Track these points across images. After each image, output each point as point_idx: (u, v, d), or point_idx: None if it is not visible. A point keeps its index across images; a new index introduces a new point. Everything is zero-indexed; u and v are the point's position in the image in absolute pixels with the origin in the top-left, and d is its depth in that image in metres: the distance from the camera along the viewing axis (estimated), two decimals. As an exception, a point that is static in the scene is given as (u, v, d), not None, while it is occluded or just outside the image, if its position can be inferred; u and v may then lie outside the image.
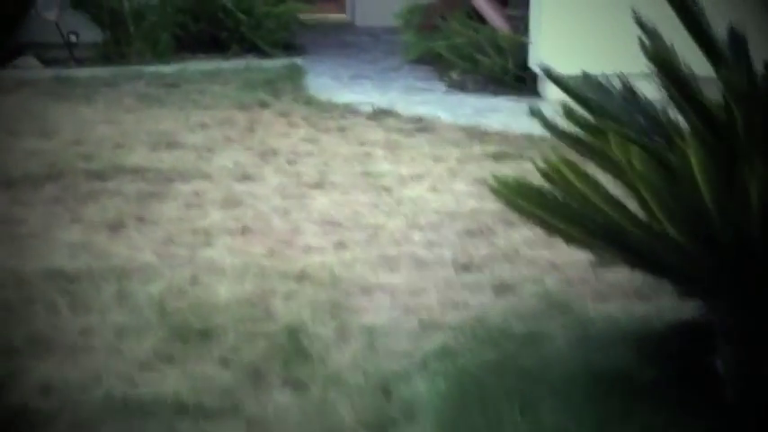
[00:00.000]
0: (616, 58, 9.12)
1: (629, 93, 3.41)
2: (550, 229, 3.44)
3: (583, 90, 3.49)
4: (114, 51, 11.00)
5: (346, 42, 13.20)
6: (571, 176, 3.20)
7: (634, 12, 3.32)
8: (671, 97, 3.19)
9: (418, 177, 6.55)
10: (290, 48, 12.04)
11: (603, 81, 3.67)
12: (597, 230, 3.30)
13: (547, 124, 3.40)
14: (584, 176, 3.21)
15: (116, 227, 5.52)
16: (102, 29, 11.06)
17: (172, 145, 7.12)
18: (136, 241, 5.35)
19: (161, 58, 11.06)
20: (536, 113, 3.41)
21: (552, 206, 3.30)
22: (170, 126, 7.78)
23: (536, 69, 9.14)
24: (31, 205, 5.86)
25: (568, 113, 3.22)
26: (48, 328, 4.26)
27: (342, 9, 15.16)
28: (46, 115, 8.07)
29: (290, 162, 6.83)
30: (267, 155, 6.97)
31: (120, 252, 5.19)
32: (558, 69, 8.91)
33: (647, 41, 3.30)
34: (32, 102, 8.62)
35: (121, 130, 7.57)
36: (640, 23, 3.32)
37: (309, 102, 8.96)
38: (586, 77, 3.54)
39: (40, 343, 4.12)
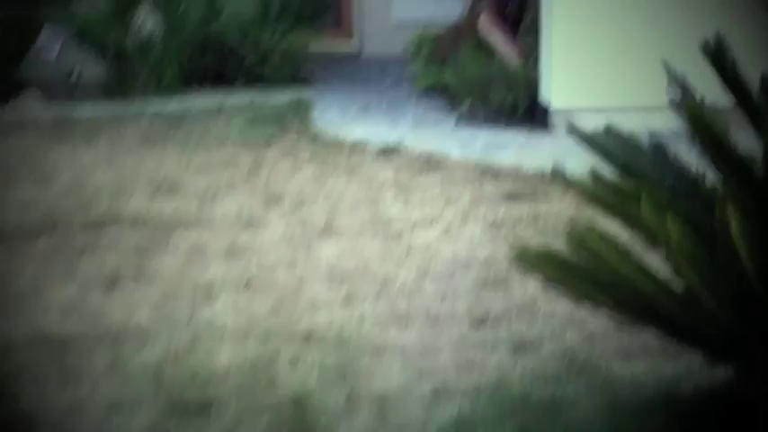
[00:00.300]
0: (627, 91, 8.92)
1: (658, 149, 3.13)
2: (577, 296, 3.16)
3: (609, 144, 3.20)
4: (118, 87, 10.76)
5: (353, 73, 12.95)
6: (600, 245, 2.92)
7: (666, 65, 3.02)
8: (707, 158, 2.91)
9: (429, 221, 6.27)
10: (296, 80, 11.80)
11: (629, 135, 3.37)
12: (627, 300, 3.02)
13: (572, 184, 3.11)
14: (614, 245, 2.93)
15: (112, 283, 5.25)
16: (105, 64, 10.83)
17: (173, 190, 6.85)
18: (132, 300, 5.07)
19: (166, 92, 10.82)
20: (559, 174, 3.11)
21: (579, 275, 3.01)
22: (172, 169, 7.51)
23: (546, 103, 8.87)
24: (24, 261, 5.60)
25: (596, 178, 2.93)
26: (33, 405, 3.97)
27: (349, 39, 14.91)
28: (44, 159, 7.81)
29: (295, 207, 6.56)
30: (272, 199, 6.69)
31: (116, 312, 4.91)
32: (570, 103, 8.70)
33: (677, 94, 3.01)
34: (31, 145, 8.37)
35: (121, 175, 7.31)
36: (673, 77, 3.03)
37: (316, 139, 8.70)
38: (611, 132, 3.25)
39: (22, 423, 3.83)
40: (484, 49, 10.43)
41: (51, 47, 10.63)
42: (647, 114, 8.58)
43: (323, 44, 13.07)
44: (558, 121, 8.74)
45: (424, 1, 12.53)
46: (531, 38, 9.74)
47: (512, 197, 6.74)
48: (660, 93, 8.60)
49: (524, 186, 7.01)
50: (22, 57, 10.82)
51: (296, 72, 11.81)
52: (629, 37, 8.58)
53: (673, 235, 2.75)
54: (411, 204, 6.65)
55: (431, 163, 7.82)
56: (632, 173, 3.07)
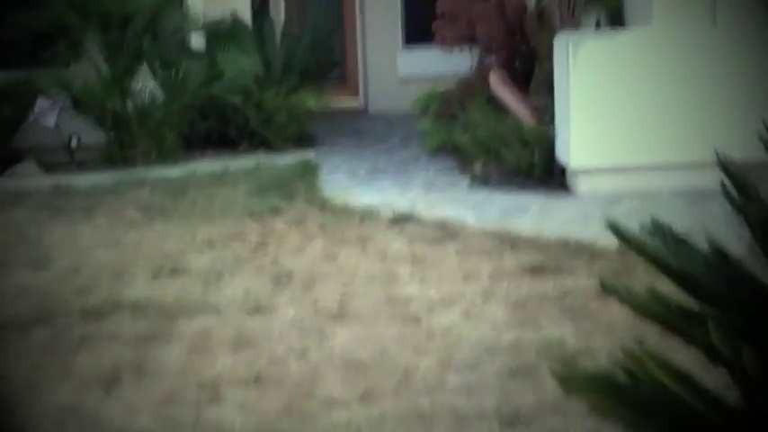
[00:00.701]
0: (648, 149, 8.58)
1: (717, 251, 2.77)
2: (632, 426, 2.78)
3: (659, 248, 2.83)
4: (118, 153, 10.46)
5: (360, 131, 12.66)
6: (657, 372, 2.55)
7: (723, 188, 2.65)
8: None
9: (449, 301, 5.89)
10: (302, 139, 11.50)
11: (681, 234, 2.99)
12: (689, 428, 2.64)
13: (627, 301, 2.72)
14: (673, 371, 2.56)
15: (111, 382, 4.87)
16: (104, 130, 10.52)
17: (176, 271, 6.49)
18: (132, 400, 4.69)
19: (167, 158, 10.53)
20: (611, 289, 2.73)
21: (633, 402, 2.64)
22: (175, 245, 7.16)
23: (564, 163, 8.53)
24: (17, 356, 5.22)
25: (654, 296, 2.56)
26: None
27: (354, 95, 14.64)
28: (41, 238, 7.47)
29: (306, 287, 6.18)
30: (281, 278, 6.32)
31: (114, 416, 4.53)
32: (589, 162, 8.35)
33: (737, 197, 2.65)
34: (28, 221, 8.04)
35: (122, 254, 6.95)
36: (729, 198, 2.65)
37: (325, 206, 8.36)
38: (660, 229, 2.88)
39: None
40: (495, 106, 10.13)
41: (49, 114, 10.34)
42: (669, 172, 8.29)
43: (329, 101, 12.80)
44: (577, 182, 8.40)
45: (430, 56, 12.21)
46: (543, 94, 9.44)
47: (535, 271, 6.36)
48: (681, 150, 8.35)
49: (547, 257, 6.64)
50: (20, 125, 10.53)
51: (301, 131, 11.51)
52: (648, 95, 8.26)
53: (749, 367, 2.38)
54: (428, 281, 6.27)
55: (446, 231, 7.46)
56: (689, 283, 2.70)
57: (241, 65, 10.93)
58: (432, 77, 13.01)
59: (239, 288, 6.14)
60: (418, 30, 14.01)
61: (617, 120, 8.29)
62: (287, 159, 10.48)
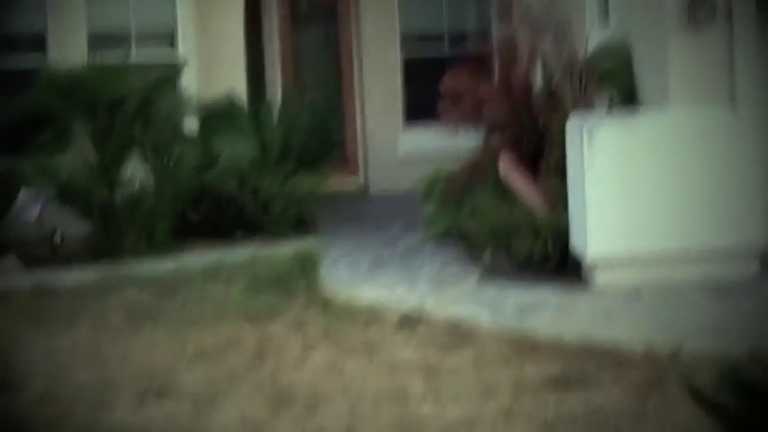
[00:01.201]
0: (667, 238, 8.01)
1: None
2: None
3: (730, 403, 2.27)
4: (105, 246, 9.87)
5: (361, 214, 12.11)
6: None
7: None
8: None
9: (468, 424, 5.28)
10: (301, 226, 10.93)
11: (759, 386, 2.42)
12: None
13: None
14: None
15: None
16: (91, 222, 9.95)
17: (164, 391, 5.86)
18: None
19: (157, 250, 9.95)
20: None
21: None
22: (163, 358, 6.55)
23: (580, 254, 7.96)
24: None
25: None
26: None
27: (354, 175, 14.12)
28: (17, 352, 6.85)
29: (309, 408, 5.56)
30: (280, 399, 5.70)
31: None
32: (608, 254, 7.78)
33: None
34: (4, 331, 7.43)
35: (104, 373, 6.32)
36: None
37: (327, 305, 7.77)
38: (734, 379, 2.32)
39: None
40: (503, 189, 9.59)
41: (31, 206, 9.77)
42: (691, 262, 7.72)
43: (328, 182, 12.29)
44: (594, 274, 7.82)
45: (432, 135, 11.70)
46: (555, 179, 8.90)
47: (559, 384, 5.75)
48: (703, 238, 7.79)
49: (571, 366, 6.03)
50: (1, 217, 9.95)
51: (300, 218, 10.95)
52: (667, 181, 7.74)
53: None
54: (443, 399, 5.66)
55: (459, 334, 6.86)
56: None
57: (236, 149, 10.43)
58: (434, 157, 12.51)
59: (234, 412, 5.52)
60: (419, 108, 13.55)
61: (635, 207, 7.75)
62: (285, 249, 9.91)
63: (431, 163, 12.26)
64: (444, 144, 10.93)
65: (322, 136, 12.00)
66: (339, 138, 13.49)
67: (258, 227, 10.59)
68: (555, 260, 8.22)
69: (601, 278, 7.76)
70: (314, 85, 14.31)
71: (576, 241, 8.04)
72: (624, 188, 7.72)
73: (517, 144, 10.06)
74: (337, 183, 13.54)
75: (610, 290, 7.60)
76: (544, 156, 9.50)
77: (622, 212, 7.72)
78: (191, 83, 11.20)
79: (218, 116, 11.19)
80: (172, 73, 10.94)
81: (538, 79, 10.64)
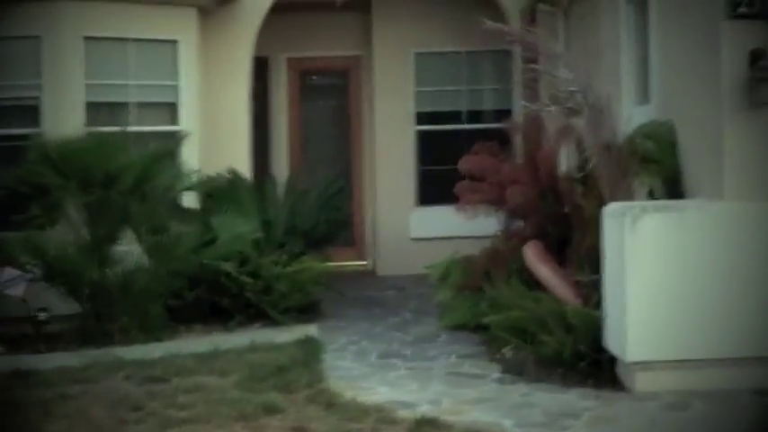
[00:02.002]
0: (716, 341, 7.17)
1: None
2: None
3: None
4: (94, 328, 9.10)
5: (369, 299, 11.33)
6: None
7: None
8: None
9: None
10: (305, 310, 10.16)
11: None
12: None
13: None
14: None
15: None
16: (79, 303, 9.18)
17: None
18: None
19: (150, 334, 9.19)
20: None
21: None
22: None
23: (618, 354, 7.16)
24: None
25: None
26: None
27: (362, 256, 13.39)
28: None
29: None
30: None
31: None
32: (648, 354, 6.97)
33: None
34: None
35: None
36: None
37: (331, 403, 6.94)
38: None
39: None
40: (527, 280, 8.82)
41: (16, 286, 9.00)
42: (742, 368, 6.91)
43: (335, 262, 11.56)
44: (633, 378, 7.01)
45: (445, 216, 10.98)
46: (587, 270, 8.14)
47: None
48: (757, 343, 6.96)
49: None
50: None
51: (304, 302, 10.16)
52: (719, 278, 6.96)
53: None
54: None
55: (481, 448, 6.04)
56: None
57: (237, 228, 9.66)
58: (447, 238, 11.84)
59: None
60: (433, 186, 12.87)
61: (682, 305, 6.95)
62: (287, 336, 9.13)
63: (444, 244, 11.59)
64: (459, 225, 10.22)
65: (330, 214, 11.25)
66: (347, 216, 12.78)
67: (259, 310, 9.82)
68: (587, 360, 7.41)
69: (641, 382, 6.95)
70: (322, 160, 13.65)
71: (612, 340, 7.24)
72: (670, 283, 6.93)
73: (542, 230, 9.36)
74: (345, 263, 12.84)
75: (652, 396, 6.78)
76: (572, 243, 8.78)
77: (667, 310, 6.93)
78: (192, 156, 10.52)
79: (219, 192, 10.49)
80: (172, 145, 10.25)
81: (564, 161, 9.97)
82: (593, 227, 8.08)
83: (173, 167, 10.05)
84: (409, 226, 12.99)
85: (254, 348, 8.65)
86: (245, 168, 11.35)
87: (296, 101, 13.55)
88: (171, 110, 10.75)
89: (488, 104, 13.32)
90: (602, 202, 7.98)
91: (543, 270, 8.28)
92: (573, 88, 8.68)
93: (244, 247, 9.76)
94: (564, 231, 9.11)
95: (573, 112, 8.65)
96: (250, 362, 8.13)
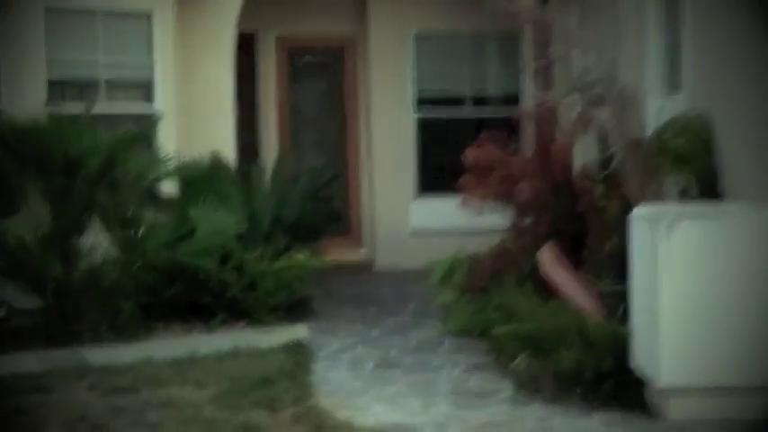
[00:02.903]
0: (761, 364, 6.33)
1: None
2: None
3: None
4: (60, 327, 8.20)
5: (365, 296, 10.46)
6: None
7: None
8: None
9: None
10: (293, 309, 9.29)
11: None
12: None
13: None
14: None
15: None
16: (42, 300, 8.28)
17: None
18: None
19: (122, 334, 8.32)
20: None
21: None
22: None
23: (647, 376, 6.30)
24: None
25: None
26: None
27: (358, 247, 12.52)
28: None
29: None
30: None
31: None
32: (684, 379, 6.10)
33: None
34: None
35: None
36: None
37: (320, 426, 6.07)
38: None
39: None
40: (539, 283, 7.97)
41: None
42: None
43: (329, 256, 10.73)
44: (667, 404, 6.14)
45: (448, 207, 10.07)
46: (609, 277, 7.29)
47: None
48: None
49: None
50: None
51: (293, 300, 9.29)
52: (761, 301, 6.07)
53: None
54: None
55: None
56: None
57: (218, 220, 8.77)
58: (450, 230, 11.03)
59: None
60: (435, 175, 12.02)
61: (724, 325, 6.06)
62: (273, 339, 8.28)
63: (446, 238, 10.81)
64: (462, 218, 9.34)
65: (322, 204, 10.37)
66: (342, 206, 11.93)
67: (243, 308, 8.94)
68: (612, 380, 6.55)
69: (676, 409, 6.09)
70: (314, 145, 12.77)
71: (641, 360, 6.37)
72: (711, 300, 6.05)
73: (555, 229, 8.51)
74: (338, 254, 11.98)
75: (689, 425, 5.93)
76: (588, 245, 7.93)
77: (707, 329, 6.05)
78: (169, 140, 9.61)
79: (199, 179, 9.60)
80: (146, 128, 9.35)
81: (579, 155, 9.11)
82: (617, 230, 7.25)
83: (146, 152, 9.15)
84: (409, 218, 12.13)
85: (235, 354, 7.79)
86: (229, 153, 10.47)
87: (285, 82, 12.64)
88: (144, 89, 9.85)
89: (494, 90, 12.44)
90: (626, 204, 7.15)
91: (561, 276, 7.42)
92: (595, 76, 7.85)
93: (225, 240, 8.86)
94: (578, 231, 8.27)
95: (594, 102, 7.81)
96: (230, 371, 7.27)
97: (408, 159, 12.22)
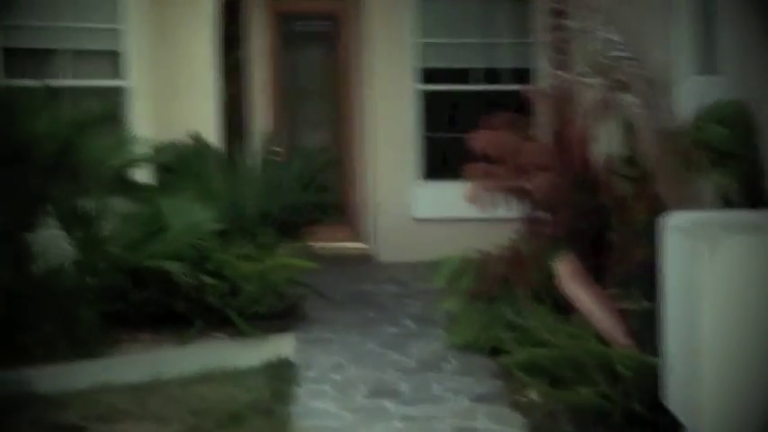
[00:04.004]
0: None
1: None
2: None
3: None
4: (5, 342, 7.19)
5: (363, 296, 9.41)
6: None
7: None
8: None
9: None
10: (282, 313, 8.27)
11: None
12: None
13: None
14: None
15: None
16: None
17: None
18: None
19: (82, 348, 7.31)
20: None
21: None
22: None
23: (684, 418, 5.28)
24: None
25: None
26: None
27: (357, 238, 11.49)
28: None
29: None
30: None
31: None
32: (732, 425, 4.99)
33: None
34: None
35: None
36: None
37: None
38: None
39: None
40: (555, 296, 6.93)
41: None
42: None
43: (328, 242, 9.75)
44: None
45: (455, 194, 8.95)
46: (635, 293, 6.25)
47: None
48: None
49: None
50: None
51: (279, 306, 8.26)
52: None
53: None
54: None
55: None
56: None
57: (192, 215, 7.75)
58: (457, 220, 9.99)
59: None
60: (441, 160, 10.95)
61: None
62: (254, 355, 7.29)
63: (453, 227, 9.82)
64: (471, 207, 8.25)
65: (315, 193, 9.34)
66: (339, 191, 10.89)
67: (224, 317, 7.93)
68: (641, 420, 5.55)
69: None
70: (308, 122, 11.68)
71: (677, 400, 5.35)
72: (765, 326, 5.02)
73: (574, 228, 7.46)
74: (335, 244, 10.98)
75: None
76: (611, 251, 6.90)
77: (761, 360, 5.02)
78: (142, 119, 8.58)
79: (177, 165, 8.59)
80: (111, 105, 8.32)
81: (601, 145, 8.05)
82: (645, 238, 6.22)
83: (111, 134, 8.14)
84: (413, 204, 11.06)
85: (207, 377, 6.78)
86: (211, 134, 9.44)
87: (276, 51, 11.54)
88: (113, 60, 8.82)
89: (506, 62, 11.27)
90: (656, 206, 6.13)
91: (581, 294, 6.36)
92: (621, 54, 6.79)
93: (201, 238, 7.83)
94: (600, 231, 7.25)
95: (619, 84, 6.76)
96: (198, 401, 6.29)
97: (412, 138, 11.13)
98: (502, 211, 8.00)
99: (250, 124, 11.17)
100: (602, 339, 6.05)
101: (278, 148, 9.94)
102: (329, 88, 11.66)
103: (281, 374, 6.89)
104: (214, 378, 6.77)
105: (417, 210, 10.98)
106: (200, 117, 9.46)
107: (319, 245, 10.15)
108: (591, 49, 7.60)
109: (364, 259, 11.04)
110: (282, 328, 8.08)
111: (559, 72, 8.33)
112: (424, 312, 8.62)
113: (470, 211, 8.73)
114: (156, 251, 7.45)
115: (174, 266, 7.42)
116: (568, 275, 6.50)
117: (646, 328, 5.95)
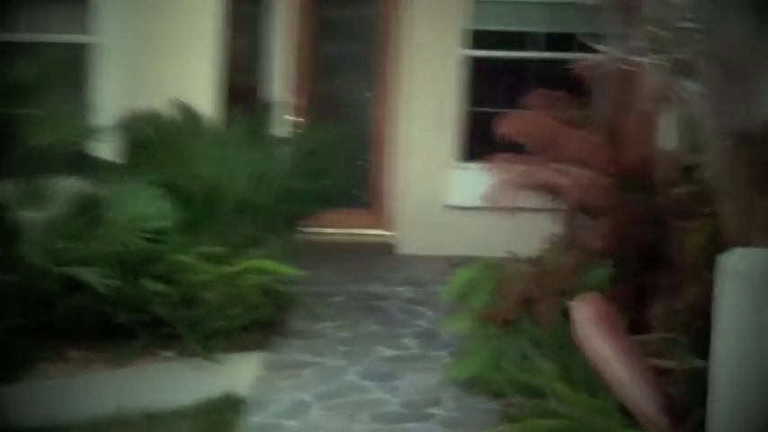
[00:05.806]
0: None
1: None
2: None
3: None
4: None
5: (368, 300, 7.84)
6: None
7: None
8: None
9: None
10: (258, 325, 6.75)
11: None
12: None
13: None
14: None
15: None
16: None
17: None
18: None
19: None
20: None
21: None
22: None
23: None
24: None
25: None
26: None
27: (379, 224, 9.87)
28: None
29: None
30: None
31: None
32: None
33: None
34: None
35: None
36: None
37: None
38: None
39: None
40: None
41: None
42: None
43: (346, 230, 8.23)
44: None
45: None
46: (681, 342, 4.60)
47: None
48: None
49: None
50: None
51: (246, 320, 6.71)
52: None
53: None
54: None
55: None
56: None
57: (142, 207, 6.22)
58: (494, 209, 8.33)
59: None
60: (482, 139, 9.22)
61: None
62: (198, 388, 5.79)
63: (490, 217, 8.11)
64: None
65: (314, 178, 7.77)
66: (368, 172, 9.34)
67: (176, 332, 6.42)
68: None
69: None
70: (338, 89, 10.06)
71: None
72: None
73: (620, 242, 5.82)
74: (355, 235, 9.45)
75: None
76: (665, 284, 5.21)
77: None
78: (114, 80, 7.07)
79: (152, 142, 7.12)
80: (58, 67, 6.87)
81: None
82: (703, 268, 4.56)
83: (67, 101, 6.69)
84: (446, 189, 9.39)
85: (119, 421, 5.26)
86: (206, 100, 7.91)
87: (309, 7, 9.87)
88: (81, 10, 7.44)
89: (573, 27, 9.45)
90: (718, 233, 4.48)
91: (605, 351, 4.66)
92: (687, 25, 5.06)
93: (153, 234, 6.31)
94: (653, 250, 5.59)
95: (680, 67, 5.05)
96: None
97: (452, 112, 9.44)
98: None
99: (262, 91, 9.54)
100: (628, 414, 4.39)
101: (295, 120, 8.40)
102: (367, 50, 9.97)
103: (219, 419, 5.36)
104: (128, 423, 5.25)
105: (450, 196, 9.31)
106: (194, 82, 7.94)
107: (332, 231, 9.03)
108: (652, 17, 5.90)
109: (384, 250, 9.42)
110: (254, 345, 6.56)
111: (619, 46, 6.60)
112: (433, 328, 7.04)
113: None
114: (79, 252, 5.90)
115: (88, 275, 5.85)
116: (588, 321, 4.80)
117: (691, 396, 4.28)
